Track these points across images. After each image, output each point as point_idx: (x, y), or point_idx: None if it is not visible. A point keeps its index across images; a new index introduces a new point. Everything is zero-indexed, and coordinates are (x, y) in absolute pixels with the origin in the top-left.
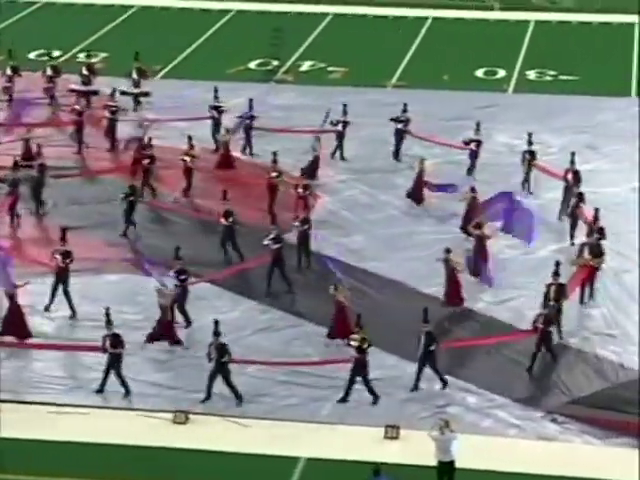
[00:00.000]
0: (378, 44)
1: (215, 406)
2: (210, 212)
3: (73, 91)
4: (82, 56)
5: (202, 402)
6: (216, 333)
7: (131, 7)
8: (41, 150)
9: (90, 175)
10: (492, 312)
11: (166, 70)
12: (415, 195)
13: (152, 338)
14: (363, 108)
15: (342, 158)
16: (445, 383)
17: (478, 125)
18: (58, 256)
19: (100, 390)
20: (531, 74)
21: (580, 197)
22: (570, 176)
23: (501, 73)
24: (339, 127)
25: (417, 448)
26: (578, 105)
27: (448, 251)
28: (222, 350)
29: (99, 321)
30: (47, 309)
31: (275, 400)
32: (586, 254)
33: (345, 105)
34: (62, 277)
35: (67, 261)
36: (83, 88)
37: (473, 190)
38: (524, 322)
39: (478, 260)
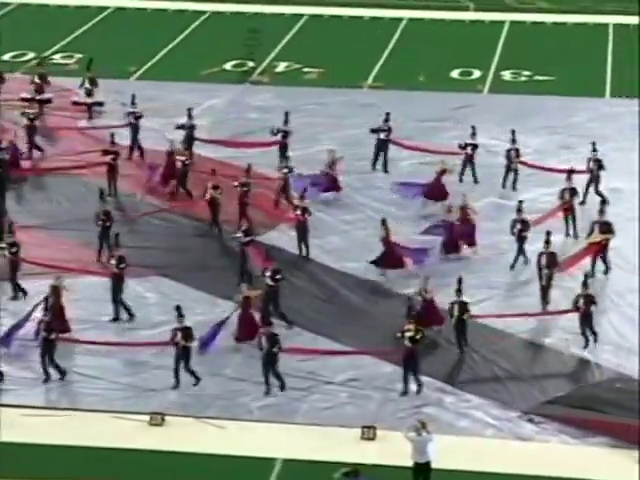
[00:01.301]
0: (354, 45)
1: (191, 408)
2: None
3: (24, 100)
4: (58, 57)
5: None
6: (268, 323)
7: (106, 8)
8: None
9: (57, 172)
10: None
11: (141, 71)
12: (433, 194)
13: (240, 338)
14: (339, 109)
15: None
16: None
17: (474, 129)
18: (113, 261)
19: (176, 386)
20: (506, 74)
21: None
22: (592, 165)
23: (476, 74)
24: (278, 137)
25: (394, 449)
26: (553, 105)
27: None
28: (273, 340)
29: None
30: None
31: (252, 401)
32: (597, 231)
33: (287, 113)
34: (118, 283)
35: (122, 266)
36: (35, 96)
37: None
38: (499, 321)
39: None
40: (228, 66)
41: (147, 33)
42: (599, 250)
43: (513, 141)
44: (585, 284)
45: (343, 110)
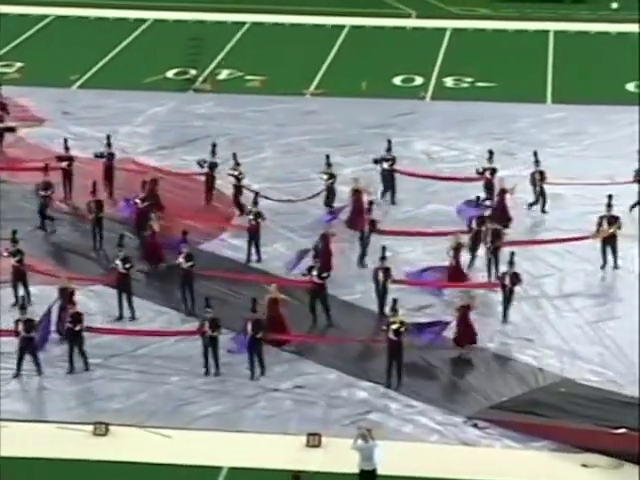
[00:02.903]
0: (296, 52)
1: (136, 417)
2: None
3: None
4: None
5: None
6: (253, 309)
7: (47, 16)
8: None
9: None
10: (413, 319)
11: (83, 80)
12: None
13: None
14: (282, 116)
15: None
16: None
17: (491, 153)
18: (118, 262)
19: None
20: (448, 81)
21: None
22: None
23: (419, 80)
24: (205, 169)
25: (339, 456)
26: (495, 112)
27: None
28: (258, 326)
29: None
30: (120, 318)
31: (197, 410)
32: (605, 225)
33: (214, 145)
34: (124, 283)
35: (127, 266)
36: None
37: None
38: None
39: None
40: (170, 74)
41: (89, 41)
42: (611, 239)
43: (536, 163)
44: (511, 262)
45: (286, 117)
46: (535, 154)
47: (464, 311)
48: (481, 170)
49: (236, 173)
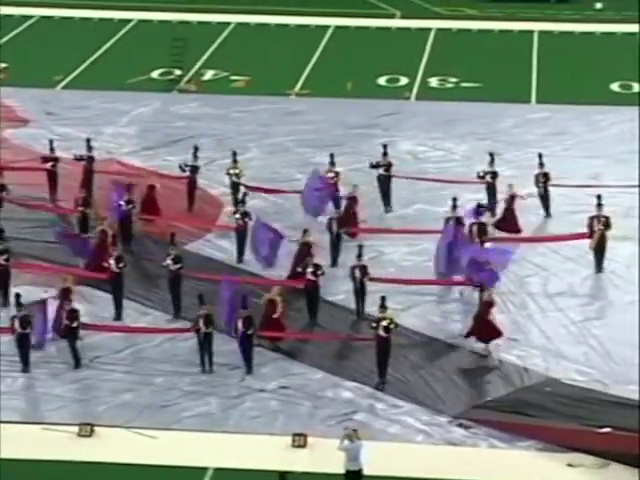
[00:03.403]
0: (280, 53)
1: (121, 418)
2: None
3: None
4: None
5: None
6: (244, 307)
7: (31, 17)
8: None
9: None
10: (398, 319)
11: (67, 80)
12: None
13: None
14: (266, 117)
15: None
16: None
17: (492, 156)
18: (112, 261)
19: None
20: (433, 81)
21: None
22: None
23: (403, 81)
24: (187, 172)
25: (325, 456)
26: (480, 112)
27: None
28: (249, 322)
29: None
30: (119, 318)
31: (181, 410)
32: (596, 226)
33: (197, 149)
34: (117, 282)
35: (120, 265)
36: None
37: None
38: (431, 328)
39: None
40: (155, 74)
41: (73, 42)
42: (602, 239)
43: (541, 165)
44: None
45: (271, 118)
46: (540, 156)
47: (486, 308)
48: (482, 174)
49: (236, 172)
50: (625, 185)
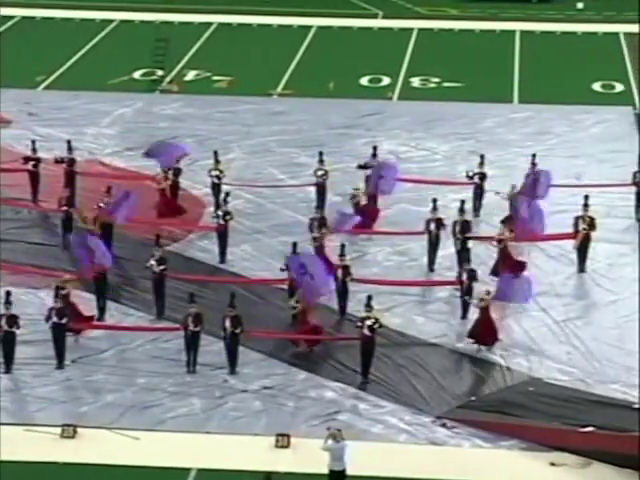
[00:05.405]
0: (263, 53)
1: (104, 418)
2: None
3: None
4: None
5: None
6: (232, 305)
7: (13, 17)
8: None
9: None
10: (383, 319)
11: (49, 81)
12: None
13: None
14: (249, 117)
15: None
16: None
17: (482, 157)
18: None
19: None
20: (415, 81)
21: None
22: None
23: (386, 81)
24: (169, 175)
25: (308, 456)
26: (462, 112)
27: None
28: (236, 322)
29: None
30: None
31: (165, 411)
32: (581, 226)
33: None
34: (101, 283)
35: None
36: None
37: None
38: (414, 328)
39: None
40: (137, 75)
41: (55, 42)
42: (586, 240)
43: (533, 165)
44: (468, 259)
45: (253, 118)
46: (533, 156)
47: (487, 310)
48: (471, 174)
49: (217, 173)
50: (607, 185)
